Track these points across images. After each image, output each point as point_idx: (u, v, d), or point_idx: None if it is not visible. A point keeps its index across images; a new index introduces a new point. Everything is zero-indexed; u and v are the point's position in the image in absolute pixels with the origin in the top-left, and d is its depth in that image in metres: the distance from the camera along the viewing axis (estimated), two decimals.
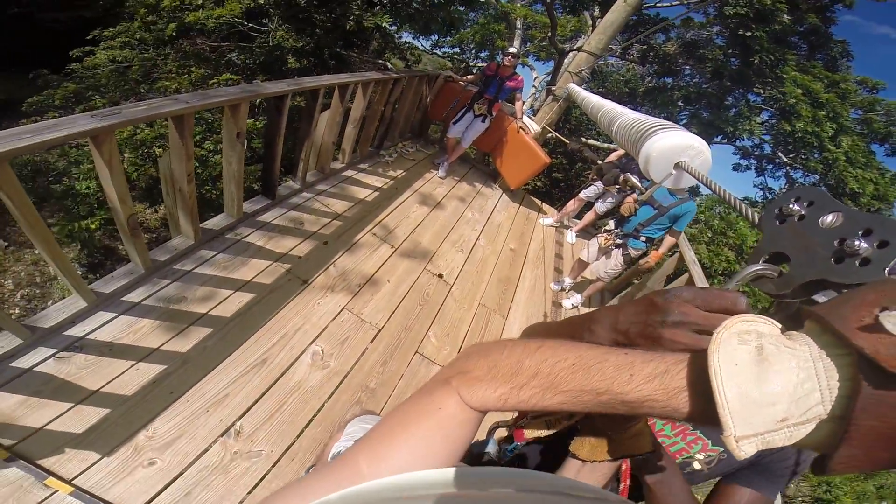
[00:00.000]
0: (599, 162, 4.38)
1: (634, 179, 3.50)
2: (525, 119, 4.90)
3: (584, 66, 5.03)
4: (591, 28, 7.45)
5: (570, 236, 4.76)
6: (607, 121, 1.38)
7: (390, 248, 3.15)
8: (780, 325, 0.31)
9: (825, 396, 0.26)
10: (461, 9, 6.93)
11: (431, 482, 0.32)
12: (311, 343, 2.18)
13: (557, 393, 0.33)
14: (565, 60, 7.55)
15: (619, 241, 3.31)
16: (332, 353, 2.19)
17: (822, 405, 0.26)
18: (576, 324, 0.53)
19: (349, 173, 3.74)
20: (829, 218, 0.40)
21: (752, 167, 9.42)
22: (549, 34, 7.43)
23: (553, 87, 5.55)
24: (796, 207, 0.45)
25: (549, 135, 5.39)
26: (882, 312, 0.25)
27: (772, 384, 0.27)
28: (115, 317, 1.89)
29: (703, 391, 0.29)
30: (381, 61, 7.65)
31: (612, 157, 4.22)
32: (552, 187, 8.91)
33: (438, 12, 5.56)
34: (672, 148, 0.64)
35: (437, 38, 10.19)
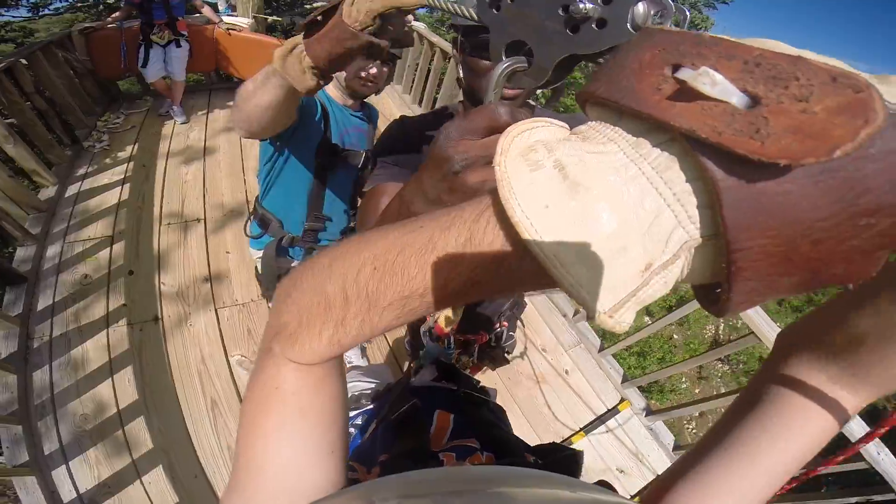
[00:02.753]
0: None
1: None
2: (228, 19, 4.16)
3: None
4: None
5: None
6: None
7: (198, 223, 2.52)
8: (561, 123, 0.21)
9: (679, 213, 0.17)
10: None
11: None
12: (228, 358, 1.93)
13: (382, 311, 0.24)
14: None
15: None
16: (254, 349, 1.97)
17: (681, 227, 0.17)
18: (394, 209, 0.46)
19: (73, 190, 2.72)
20: None
21: None
22: None
23: None
24: None
25: (270, 20, 4.63)
26: (679, 72, 0.17)
27: (605, 220, 0.17)
28: None
29: (527, 250, 0.19)
30: None
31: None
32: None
33: None
34: None
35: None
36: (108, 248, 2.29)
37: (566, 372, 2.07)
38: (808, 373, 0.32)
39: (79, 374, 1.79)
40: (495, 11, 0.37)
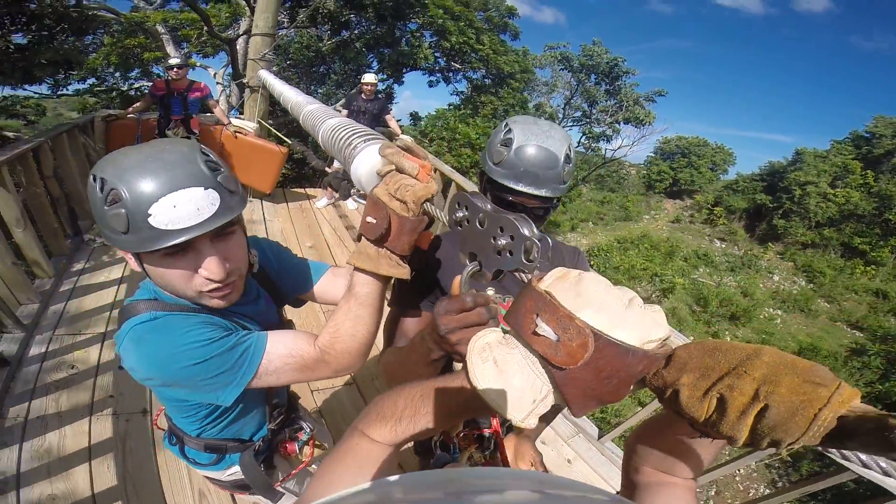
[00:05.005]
0: (328, 170, 4.45)
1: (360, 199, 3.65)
2: (235, 121, 4.53)
3: (263, 48, 4.84)
4: (247, 9, 6.93)
5: (351, 203, 4.90)
6: (310, 127, 1.24)
7: None
8: (499, 331, 0.44)
9: (543, 380, 0.38)
10: (70, 39, 5.41)
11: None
12: None
13: (421, 417, 0.46)
14: (238, 47, 7.01)
15: None
16: None
17: (544, 385, 0.38)
18: (416, 345, 0.68)
19: (68, 285, 2.82)
20: (481, 219, 0.56)
21: (440, 80, 11.41)
22: (206, 28, 6.65)
23: (244, 80, 5.20)
24: (460, 214, 0.60)
25: (269, 124, 5.14)
26: (537, 318, 0.37)
27: (514, 385, 0.39)
28: None
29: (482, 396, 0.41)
30: None
31: (336, 164, 4.28)
32: (300, 170, 8.62)
33: (36, 55, 4.21)
34: (375, 166, 0.70)
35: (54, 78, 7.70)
36: (100, 344, 2.37)
37: (568, 461, 2.21)
38: (645, 462, 0.52)
39: (52, 457, 1.78)
40: (459, 228, 0.60)
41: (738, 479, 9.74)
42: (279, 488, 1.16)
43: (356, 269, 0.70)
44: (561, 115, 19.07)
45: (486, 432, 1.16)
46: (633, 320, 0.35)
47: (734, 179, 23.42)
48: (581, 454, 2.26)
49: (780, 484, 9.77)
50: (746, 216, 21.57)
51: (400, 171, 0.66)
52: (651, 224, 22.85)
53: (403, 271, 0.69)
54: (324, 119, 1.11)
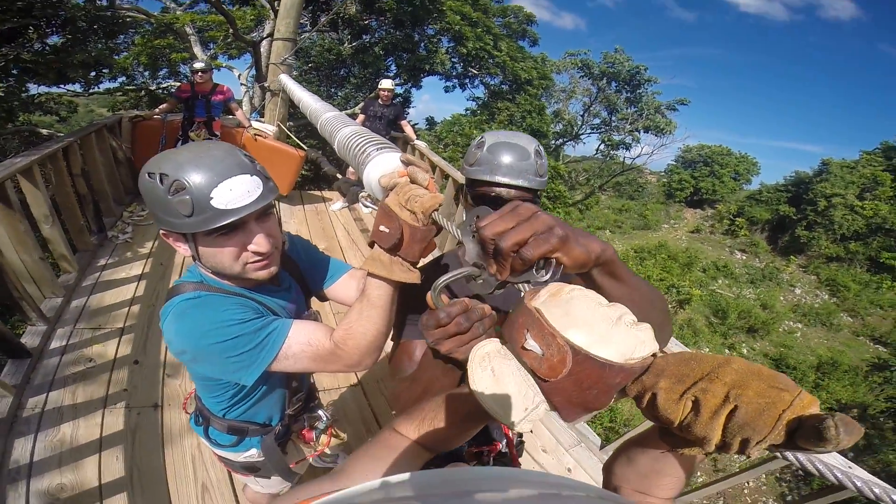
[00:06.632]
0: (339, 177, 4.54)
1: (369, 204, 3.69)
2: (256, 124, 4.65)
3: (284, 53, 4.95)
4: (271, 12, 7.10)
5: (364, 207, 4.90)
6: (327, 134, 1.27)
7: None
8: (498, 341, 0.46)
9: (535, 390, 0.41)
10: (101, 43, 5.65)
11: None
12: None
13: (441, 422, 0.51)
14: (262, 49, 7.17)
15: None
16: None
17: (535, 395, 0.41)
18: (428, 358, 0.71)
19: (90, 280, 2.92)
20: None
21: (457, 85, 11.47)
22: (231, 31, 6.83)
23: (265, 84, 5.32)
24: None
25: (289, 126, 5.25)
26: (527, 334, 0.40)
27: (509, 393, 0.42)
28: None
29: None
30: (21, 127, 5.72)
31: (350, 172, 4.32)
32: (319, 170, 8.77)
33: (70, 56, 4.41)
34: (386, 173, 0.76)
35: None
36: (117, 339, 2.45)
37: (569, 470, 2.22)
38: (625, 483, 0.52)
39: (64, 447, 1.82)
40: (472, 237, 0.57)
41: (746, 491, 9.56)
42: (294, 469, 1.21)
43: (369, 274, 0.75)
44: (580, 122, 18.87)
45: (500, 446, 1.19)
46: (616, 338, 0.37)
47: (758, 190, 22.83)
48: (581, 462, 2.26)
49: (789, 498, 9.59)
50: (769, 228, 21.00)
51: (413, 181, 0.71)
52: (670, 233, 22.45)
53: (414, 276, 0.74)
54: (339, 127, 1.14)
